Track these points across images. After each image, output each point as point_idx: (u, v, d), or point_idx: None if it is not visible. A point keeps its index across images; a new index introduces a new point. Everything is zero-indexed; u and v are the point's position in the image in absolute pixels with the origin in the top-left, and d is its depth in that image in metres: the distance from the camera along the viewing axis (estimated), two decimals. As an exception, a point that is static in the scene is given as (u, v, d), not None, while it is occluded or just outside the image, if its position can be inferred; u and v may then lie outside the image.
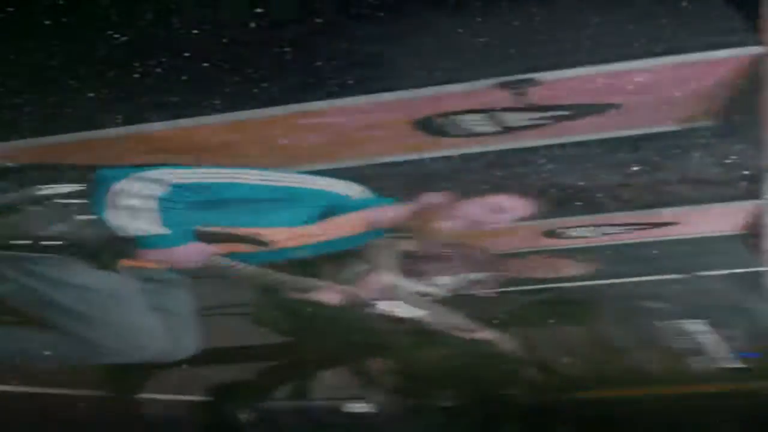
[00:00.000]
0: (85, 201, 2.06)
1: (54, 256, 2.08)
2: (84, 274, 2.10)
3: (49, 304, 2.09)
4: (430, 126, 2.71)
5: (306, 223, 2.25)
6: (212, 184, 2.10)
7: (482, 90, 2.43)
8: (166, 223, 2.04)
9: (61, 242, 2.07)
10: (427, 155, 2.98)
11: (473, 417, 3.58)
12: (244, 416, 3.31)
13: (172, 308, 2.29)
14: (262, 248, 2.21)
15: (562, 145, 2.86)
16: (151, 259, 2.11)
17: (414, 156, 2.99)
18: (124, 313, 2.13)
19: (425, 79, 2.39)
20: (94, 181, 2.05)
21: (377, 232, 2.41)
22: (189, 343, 2.29)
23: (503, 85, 2.40)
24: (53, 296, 2.08)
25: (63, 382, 2.84)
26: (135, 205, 2.01)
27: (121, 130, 2.62)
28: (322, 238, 2.29)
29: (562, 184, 3.08)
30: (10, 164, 2.43)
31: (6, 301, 2.16)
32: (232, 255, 2.21)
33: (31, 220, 2.06)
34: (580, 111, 2.63)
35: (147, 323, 2.16)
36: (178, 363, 2.29)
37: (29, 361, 2.27)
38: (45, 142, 2.69)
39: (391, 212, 2.35)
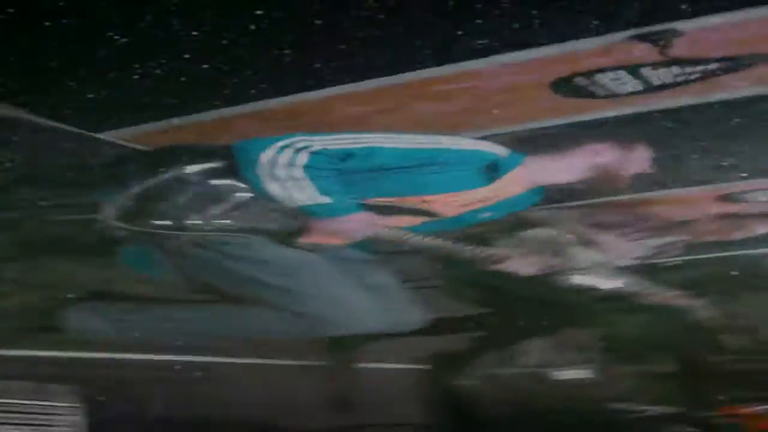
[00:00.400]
0: (233, 178, 2.09)
1: (239, 236, 2.12)
2: (277, 252, 2.13)
3: (256, 282, 2.12)
4: (568, 87, 2.59)
5: (472, 186, 2.19)
6: (358, 149, 2.07)
7: (619, 44, 2.29)
8: (323, 192, 2.03)
9: (231, 222, 2.11)
10: (567, 119, 2.84)
11: (682, 382, 3.44)
12: (458, 384, 3.32)
13: (378, 282, 2.30)
14: (433, 218, 2.19)
15: (715, 104, 2.65)
16: (324, 232, 2.12)
17: (555, 121, 2.86)
18: (334, 286, 2.16)
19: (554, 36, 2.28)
20: (237, 156, 2.07)
21: (540, 190, 2.34)
22: (408, 316, 2.31)
23: (642, 38, 2.26)
24: (257, 275, 2.12)
25: (285, 353, 2.91)
26: (286, 175, 2.01)
27: (237, 109, 2.64)
28: (492, 201, 2.24)
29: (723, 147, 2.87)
30: (142, 148, 2.64)
31: (212, 283, 2.20)
32: (404, 227, 2.20)
33: (191, 202, 2.10)
34: (731, 64, 2.42)
35: (357, 296, 2.17)
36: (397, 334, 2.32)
37: (254, 335, 2.28)
38: (159, 127, 2.73)
39: (554, 168, 2.29)
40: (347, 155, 2.05)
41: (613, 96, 2.63)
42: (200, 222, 2.10)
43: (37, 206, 2.51)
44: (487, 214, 2.29)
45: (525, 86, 2.59)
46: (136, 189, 2.10)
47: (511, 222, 2.60)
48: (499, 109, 2.76)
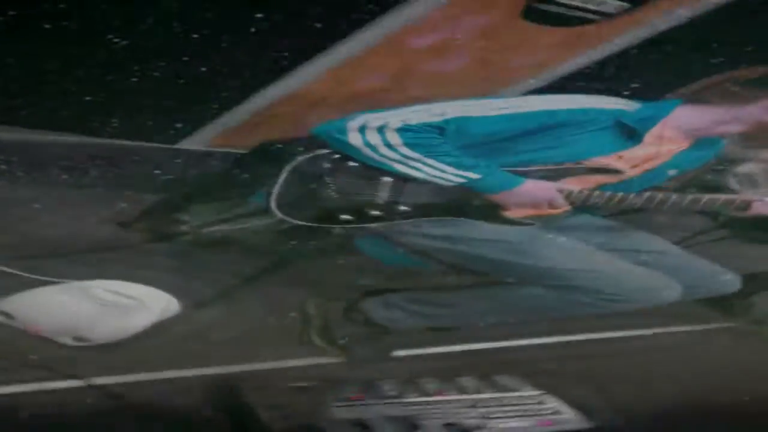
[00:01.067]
0: (355, 162, 2.06)
1: (451, 219, 2.10)
2: (505, 231, 2.10)
3: (502, 264, 2.10)
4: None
5: (629, 145, 2.12)
6: (442, 122, 2.01)
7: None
8: (466, 167, 2.01)
9: (408, 208, 2.09)
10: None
11: None
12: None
13: (640, 247, 2.23)
14: (614, 179, 2.13)
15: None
16: (514, 205, 2.09)
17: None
18: (599, 260, 2.11)
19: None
20: (327, 142, 2.06)
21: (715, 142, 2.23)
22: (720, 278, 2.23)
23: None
24: (492, 255, 2.10)
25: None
26: (399, 156, 2.00)
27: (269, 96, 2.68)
28: (662, 160, 2.16)
29: None
30: (240, 151, 2.65)
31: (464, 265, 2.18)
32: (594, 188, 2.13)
33: (352, 188, 2.08)
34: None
35: (629, 267, 2.13)
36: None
37: (532, 314, 2.23)
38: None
39: (707, 116, 2.14)
40: (439, 128, 2.01)
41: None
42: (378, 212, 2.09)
43: (221, 220, 2.51)
44: (672, 171, 2.20)
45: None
46: (288, 186, 2.09)
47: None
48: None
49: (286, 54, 2.53)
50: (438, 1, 2.44)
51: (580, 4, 2.59)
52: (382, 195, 2.09)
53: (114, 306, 2.16)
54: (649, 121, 2.11)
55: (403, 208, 2.09)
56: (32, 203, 2.48)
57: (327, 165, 2.08)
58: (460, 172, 2.01)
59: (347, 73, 2.66)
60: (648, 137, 2.10)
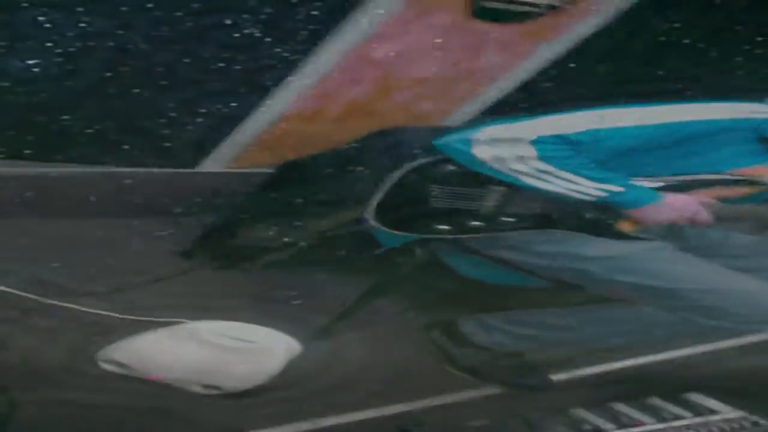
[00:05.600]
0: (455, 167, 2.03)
1: (560, 233, 2.02)
2: (618, 246, 2.02)
3: (626, 284, 2.00)
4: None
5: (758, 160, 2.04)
6: (577, 135, 1.96)
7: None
8: (605, 180, 1.95)
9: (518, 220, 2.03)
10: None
11: None
12: None
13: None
14: (754, 190, 2.05)
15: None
16: (651, 220, 2.01)
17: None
18: (724, 279, 1.99)
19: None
20: (450, 155, 2.02)
21: None
22: None
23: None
24: (620, 277, 2.00)
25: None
26: (533, 169, 1.95)
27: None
28: None
29: None
30: (269, 171, 2.58)
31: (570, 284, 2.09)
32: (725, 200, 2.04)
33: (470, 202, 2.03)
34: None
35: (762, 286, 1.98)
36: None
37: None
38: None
39: None
40: (573, 140, 1.96)
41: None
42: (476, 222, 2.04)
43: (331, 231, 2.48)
44: None
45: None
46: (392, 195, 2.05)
47: None
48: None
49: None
50: (393, 10, 2.47)
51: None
52: (489, 204, 2.04)
53: (235, 351, 2.09)
54: None
55: (508, 219, 2.04)
56: (76, 238, 2.45)
57: (432, 173, 2.05)
58: (600, 185, 1.95)
59: (327, 89, 2.68)
60: None
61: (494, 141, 1.98)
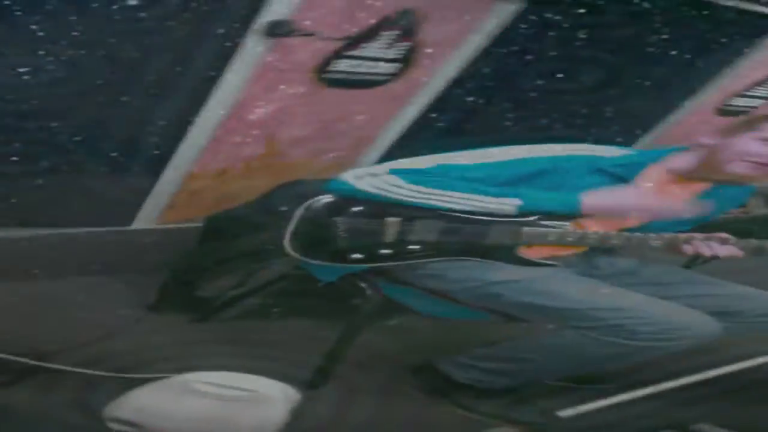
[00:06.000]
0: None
1: (485, 261, 2.07)
2: (527, 271, 2.06)
3: (541, 309, 2.03)
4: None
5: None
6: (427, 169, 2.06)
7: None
8: (502, 194, 2.01)
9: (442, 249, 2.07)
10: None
11: None
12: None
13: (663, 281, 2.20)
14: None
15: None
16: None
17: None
18: (623, 297, 2.02)
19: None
20: (343, 192, 2.09)
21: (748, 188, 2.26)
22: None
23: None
24: (509, 296, 2.04)
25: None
26: (411, 192, 2.04)
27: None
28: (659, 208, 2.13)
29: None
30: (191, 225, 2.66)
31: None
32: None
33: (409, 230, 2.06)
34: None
35: (659, 302, 2.02)
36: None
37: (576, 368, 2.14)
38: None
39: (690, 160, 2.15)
40: (427, 173, 2.05)
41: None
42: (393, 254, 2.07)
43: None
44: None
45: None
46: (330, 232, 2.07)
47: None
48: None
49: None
50: (252, 73, 2.56)
51: (358, 70, 2.78)
52: (390, 235, 2.09)
53: (238, 401, 1.99)
54: (633, 168, 2.13)
55: (412, 247, 2.09)
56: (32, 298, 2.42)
57: (334, 207, 2.12)
58: (502, 200, 2.03)
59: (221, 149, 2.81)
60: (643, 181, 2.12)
61: (369, 174, 2.10)
